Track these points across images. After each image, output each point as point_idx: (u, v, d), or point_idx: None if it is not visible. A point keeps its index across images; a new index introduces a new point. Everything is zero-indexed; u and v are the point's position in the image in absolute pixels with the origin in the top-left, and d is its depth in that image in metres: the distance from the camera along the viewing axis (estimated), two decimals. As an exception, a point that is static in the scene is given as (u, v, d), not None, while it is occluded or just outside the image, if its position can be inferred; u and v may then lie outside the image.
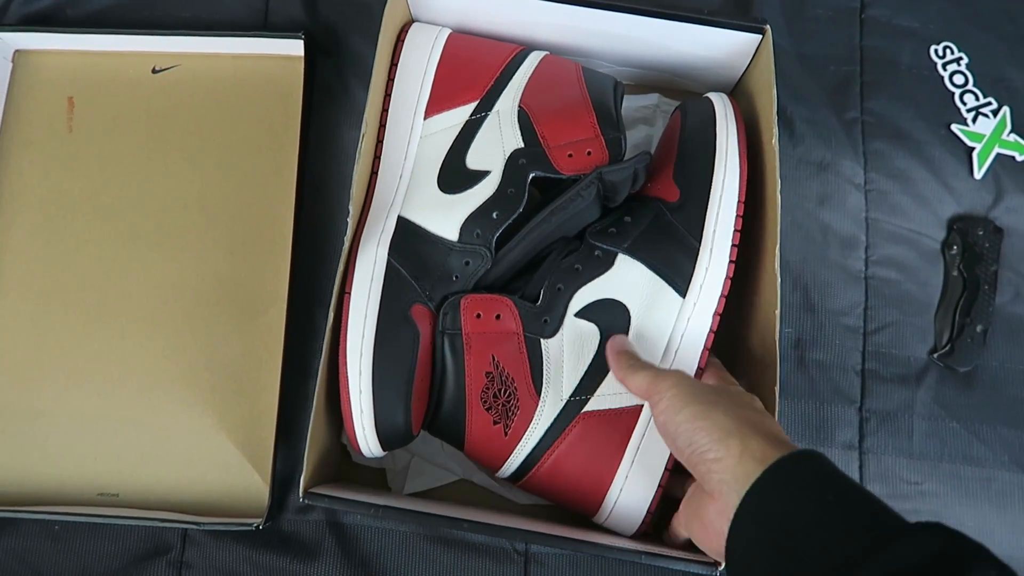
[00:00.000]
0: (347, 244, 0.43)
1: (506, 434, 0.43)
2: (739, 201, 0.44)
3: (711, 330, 0.44)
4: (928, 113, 0.56)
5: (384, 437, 0.43)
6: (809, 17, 0.57)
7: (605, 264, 0.44)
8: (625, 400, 0.43)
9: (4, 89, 0.58)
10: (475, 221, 0.44)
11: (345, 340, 0.42)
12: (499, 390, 0.43)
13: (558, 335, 0.44)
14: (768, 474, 0.33)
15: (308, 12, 0.59)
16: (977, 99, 0.56)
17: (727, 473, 0.34)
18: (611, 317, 0.44)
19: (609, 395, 0.43)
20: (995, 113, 0.55)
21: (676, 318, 0.44)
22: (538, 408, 0.43)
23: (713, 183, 0.44)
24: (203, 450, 0.52)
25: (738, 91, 0.54)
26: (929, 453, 0.52)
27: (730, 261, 0.44)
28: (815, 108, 0.56)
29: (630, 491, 0.43)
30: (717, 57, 0.52)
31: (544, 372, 0.43)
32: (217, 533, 0.51)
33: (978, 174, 0.55)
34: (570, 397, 0.43)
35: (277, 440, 0.51)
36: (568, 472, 0.43)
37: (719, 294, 0.43)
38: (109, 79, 0.58)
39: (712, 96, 0.48)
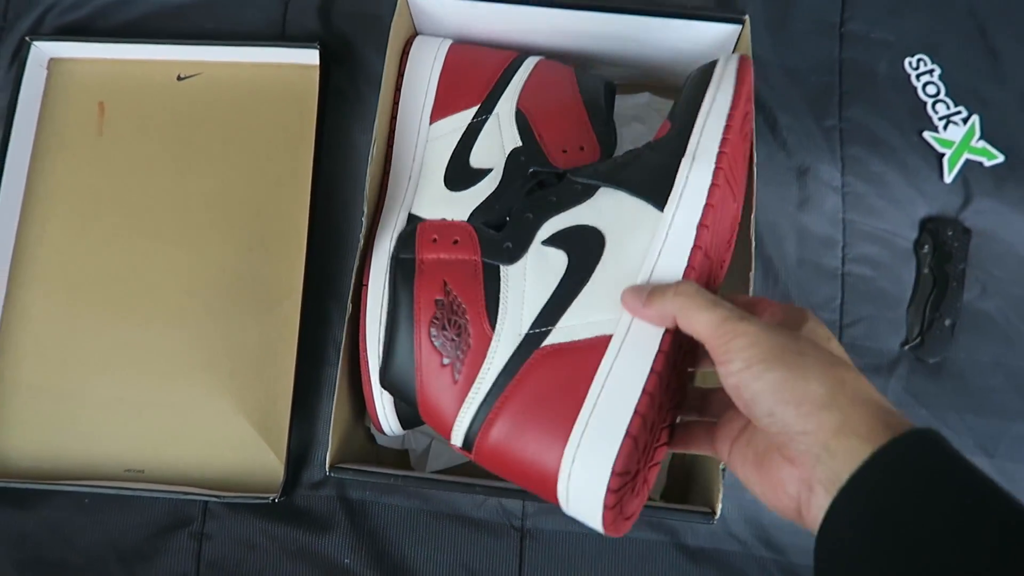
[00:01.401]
0: (362, 241, 0.45)
1: (456, 379, 0.39)
2: (729, 112, 0.40)
3: (695, 245, 0.37)
4: (902, 121, 0.59)
5: (403, 416, 0.46)
6: (792, 30, 0.61)
7: (584, 195, 0.41)
8: (593, 329, 0.37)
9: (39, 94, 0.62)
10: (480, 215, 0.45)
11: (364, 328, 0.44)
12: (449, 320, 0.39)
13: (520, 262, 0.40)
14: (879, 457, 0.28)
15: (323, 24, 0.62)
16: (948, 108, 0.59)
17: (818, 447, 0.29)
18: (582, 243, 0.39)
19: (574, 326, 0.38)
20: (965, 121, 0.58)
21: (652, 236, 0.38)
22: (492, 345, 0.38)
23: (702, 105, 0.41)
24: (222, 430, 0.56)
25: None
26: (899, 438, 0.55)
27: (716, 167, 0.38)
28: (796, 116, 0.59)
29: (589, 449, 0.35)
30: (701, 50, 0.54)
31: (501, 302, 0.39)
32: (235, 506, 0.55)
33: (948, 178, 0.58)
34: (528, 331, 0.38)
35: (292, 422, 0.54)
36: (521, 427, 0.37)
37: (702, 203, 0.38)
38: (137, 85, 0.62)
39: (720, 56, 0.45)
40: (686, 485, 0.52)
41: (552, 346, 0.37)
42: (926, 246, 0.57)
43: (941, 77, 0.59)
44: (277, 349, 0.56)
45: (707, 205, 0.38)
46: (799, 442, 0.30)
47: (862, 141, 0.59)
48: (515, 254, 0.40)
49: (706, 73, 0.43)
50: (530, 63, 0.53)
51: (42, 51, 0.62)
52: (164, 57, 0.62)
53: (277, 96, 0.61)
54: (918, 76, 0.59)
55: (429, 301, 0.39)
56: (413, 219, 0.47)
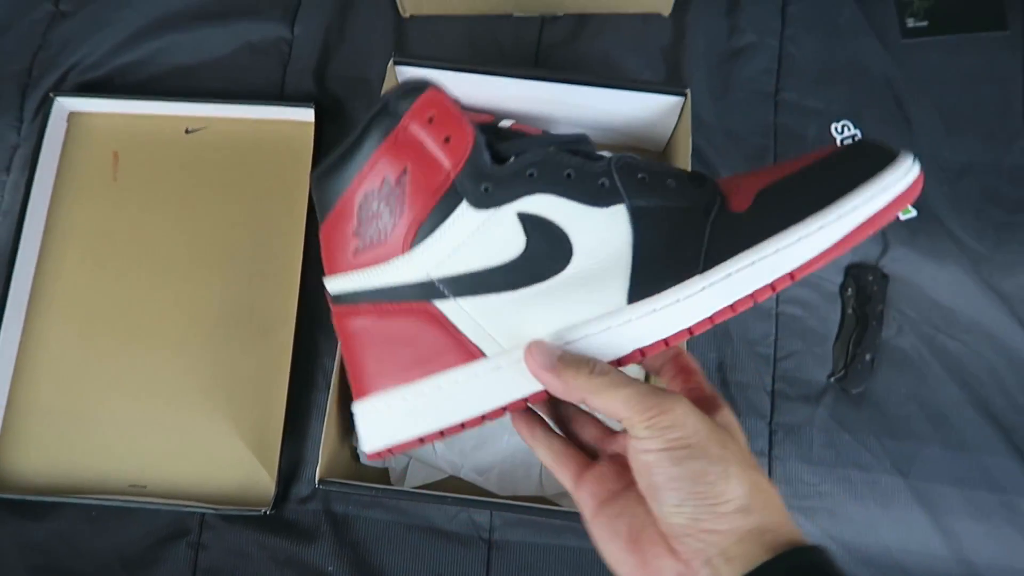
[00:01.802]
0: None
1: (357, 249, 0.35)
2: (798, 268, 0.32)
3: (641, 349, 0.33)
4: (829, 179, 0.67)
5: None
6: (732, 98, 0.68)
7: (598, 199, 0.34)
8: (480, 335, 0.34)
9: (60, 144, 0.68)
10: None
11: None
12: (384, 204, 0.34)
13: (482, 213, 0.34)
14: (775, 564, 0.28)
15: (317, 86, 0.70)
16: (869, 168, 0.67)
17: (715, 549, 0.28)
18: (550, 250, 0.34)
19: (470, 315, 0.34)
20: (883, 180, 0.66)
21: (608, 311, 0.33)
22: (397, 261, 0.34)
23: (803, 222, 0.31)
24: (219, 449, 0.61)
25: (670, 143, 0.64)
26: (826, 460, 0.61)
27: (739, 303, 0.32)
28: (737, 172, 0.67)
29: (390, 415, 0.36)
30: (652, 118, 0.61)
31: (435, 235, 0.34)
32: (230, 518, 0.60)
33: (869, 230, 0.66)
34: (436, 280, 0.34)
35: (283, 442, 0.59)
36: (368, 343, 0.36)
37: (682, 327, 0.33)
38: (149, 137, 0.68)
39: (902, 154, 0.33)
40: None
41: (439, 312, 0.34)
42: (850, 289, 0.64)
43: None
44: (271, 375, 0.62)
45: (687, 331, 0.33)
46: (698, 539, 0.29)
47: (794, 196, 0.66)
48: (485, 201, 0.34)
49: (864, 167, 0.32)
50: (504, 124, 0.60)
51: (63, 105, 0.68)
52: (174, 112, 0.68)
53: (275, 148, 0.68)
54: (842, 140, 0.67)
55: (381, 173, 0.34)
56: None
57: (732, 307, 0.33)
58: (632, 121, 0.63)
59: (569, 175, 0.34)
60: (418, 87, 0.34)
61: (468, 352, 0.35)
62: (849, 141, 0.67)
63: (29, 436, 0.63)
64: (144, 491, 0.61)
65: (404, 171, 0.34)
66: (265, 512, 0.58)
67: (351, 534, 0.60)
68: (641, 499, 0.31)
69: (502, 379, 0.34)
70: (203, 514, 0.61)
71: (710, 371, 0.63)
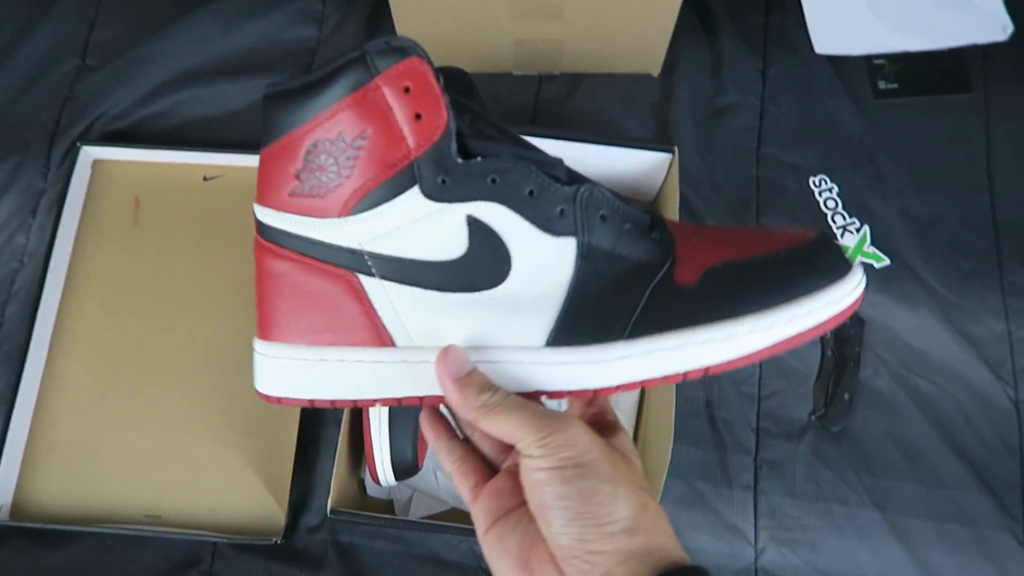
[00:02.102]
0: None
1: (290, 194, 0.32)
2: (717, 364, 0.32)
3: (542, 391, 0.34)
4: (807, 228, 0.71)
5: (397, 469, 0.55)
6: (717, 153, 0.73)
7: (551, 225, 0.32)
8: (395, 321, 0.33)
9: (84, 190, 0.72)
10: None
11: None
12: (330, 158, 0.32)
13: (432, 204, 0.32)
14: None
15: (330, 137, 0.74)
16: (845, 219, 0.71)
17: (600, 569, 0.29)
18: (486, 262, 0.33)
19: (391, 302, 0.33)
20: (858, 230, 0.71)
21: (521, 350, 0.33)
22: (331, 222, 0.32)
23: (737, 319, 0.32)
24: (232, 481, 0.64)
25: (658, 195, 0.69)
26: (808, 494, 0.64)
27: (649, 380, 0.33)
28: (722, 221, 0.71)
29: (276, 369, 0.35)
30: (643, 172, 0.66)
31: (378, 209, 0.32)
32: (242, 547, 0.63)
33: (846, 276, 0.70)
34: (367, 253, 0.33)
35: (294, 474, 0.62)
36: (283, 293, 0.34)
37: (583, 387, 0.33)
38: (168, 184, 0.72)
39: (854, 270, 0.34)
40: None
41: (361, 287, 0.33)
42: (828, 333, 0.69)
43: (838, 194, 0.72)
44: (281, 411, 0.65)
45: (591, 391, 0.33)
46: (584, 560, 0.29)
47: (775, 245, 0.71)
48: (438, 193, 0.32)
49: (815, 277, 0.32)
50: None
51: (88, 153, 0.72)
52: (192, 161, 0.72)
53: (289, 196, 0.72)
54: (820, 192, 0.72)
55: (338, 127, 0.31)
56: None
57: (641, 382, 0.33)
58: (624, 174, 0.68)
59: (531, 192, 0.32)
60: (403, 49, 0.31)
61: (379, 336, 0.34)
62: (827, 194, 0.72)
63: (49, 467, 0.65)
64: (159, 521, 0.64)
65: (363, 134, 0.31)
66: (276, 542, 0.60)
67: (357, 563, 0.63)
68: (533, 518, 0.31)
69: (405, 373, 0.34)
70: (216, 543, 0.63)
71: (698, 408, 0.67)
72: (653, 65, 0.75)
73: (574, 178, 0.34)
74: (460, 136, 0.32)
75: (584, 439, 0.31)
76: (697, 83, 0.76)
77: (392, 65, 0.31)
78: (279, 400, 0.35)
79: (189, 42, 0.77)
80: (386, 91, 0.31)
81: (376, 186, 0.32)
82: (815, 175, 0.73)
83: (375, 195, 0.32)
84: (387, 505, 0.64)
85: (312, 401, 0.34)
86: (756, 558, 0.63)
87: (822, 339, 0.69)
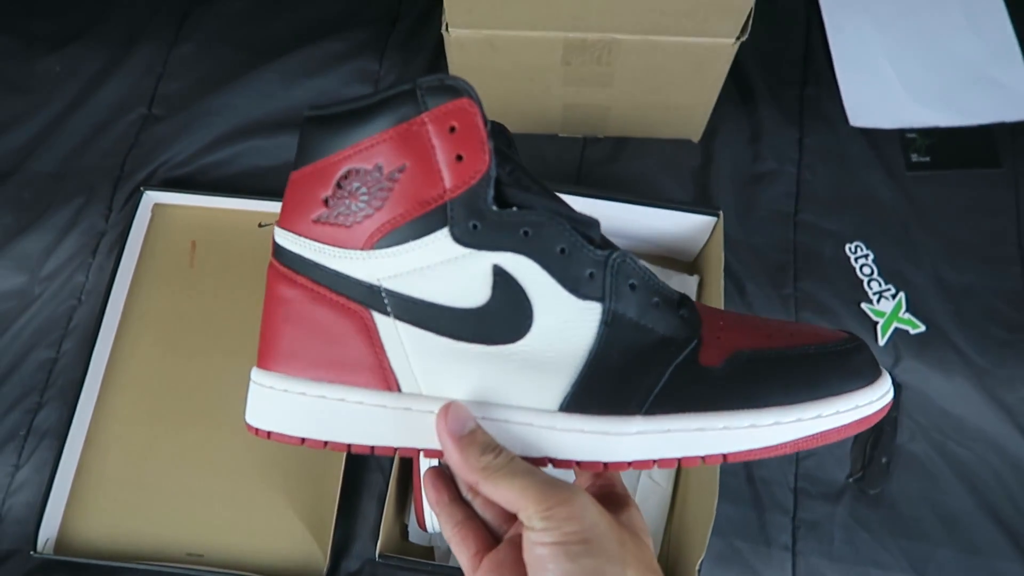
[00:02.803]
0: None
1: (315, 220, 0.32)
2: (736, 453, 0.31)
3: (549, 458, 0.33)
4: (844, 293, 0.73)
5: None
6: (756, 218, 0.76)
7: (578, 287, 0.32)
8: (404, 365, 0.33)
9: (143, 232, 0.75)
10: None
11: None
12: (363, 188, 0.31)
13: (458, 249, 0.31)
14: None
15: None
16: (880, 286, 0.73)
17: None
18: (507, 316, 0.32)
19: (401, 343, 0.32)
20: (894, 297, 0.73)
21: (532, 412, 0.32)
22: (353, 252, 0.32)
23: (761, 411, 0.31)
24: (275, 523, 0.65)
25: (700, 256, 0.71)
26: (846, 557, 0.64)
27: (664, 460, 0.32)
28: (760, 284, 0.73)
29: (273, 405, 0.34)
30: (685, 233, 0.68)
31: (404, 246, 0.31)
32: (282, 590, 0.64)
33: (881, 342, 0.71)
34: (385, 291, 0.32)
35: (337, 518, 0.63)
36: (286, 317, 0.33)
37: (594, 459, 0.32)
38: (224, 229, 0.75)
39: (883, 377, 0.34)
40: (667, 586, 0.61)
41: (373, 325, 0.32)
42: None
43: (874, 260, 0.74)
44: (327, 455, 0.66)
45: (602, 464, 0.32)
46: None
47: (812, 308, 0.73)
48: (468, 238, 0.31)
49: (844, 379, 0.32)
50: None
51: (150, 198, 0.75)
52: (248, 208, 0.75)
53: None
54: (856, 259, 0.74)
55: (376, 157, 0.31)
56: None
57: (655, 461, 0.31)
58: (666, 235, 0.70)
59: (563, 250, 0.31)
60: (455, 90, 0.30)
61: (385, 379, 0.33)
62: (863, 261, 0.74)
63: (95, 503, 0.66)
64: (201, 560, 0.64)
65: (400, 167, 0.31)
66: (317, 585, 0.61)
67: (396, 610, 0.63)
68: None
69: (407, 422, 0.32)
70: (256, 585, 0.64)
71: (736, 466, 0.68)
72: (695, 132, 0.78)
73: (607, 244, 0.33)
74: (498, 184, 0.31)
75: (591, 513, 0.29)
76: (736, 150, 0.79)
77: (442, 103, 0.30)
78: (268, 435, 0.34)
79: (251, 96, 0.81)
80: (431, 128, 0.30)
81: (405, 222, 0.31)
82: (851, 242, 0.75)
83: (402, 231, 0.31)
84: (427, 552, 0.64)
85: (304, 440, 0.33)
86: (794, 620, 0.63)
87: (858, 402, 0.70)
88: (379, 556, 0.55)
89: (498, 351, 0.32)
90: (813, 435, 0.31)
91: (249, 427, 0.34)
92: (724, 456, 0.31)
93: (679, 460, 0.31)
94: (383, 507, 0.59)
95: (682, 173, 0.78)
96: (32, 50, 0.84)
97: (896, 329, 0.71)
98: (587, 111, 0.75)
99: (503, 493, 0.30)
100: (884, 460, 0.68)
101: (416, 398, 0.33)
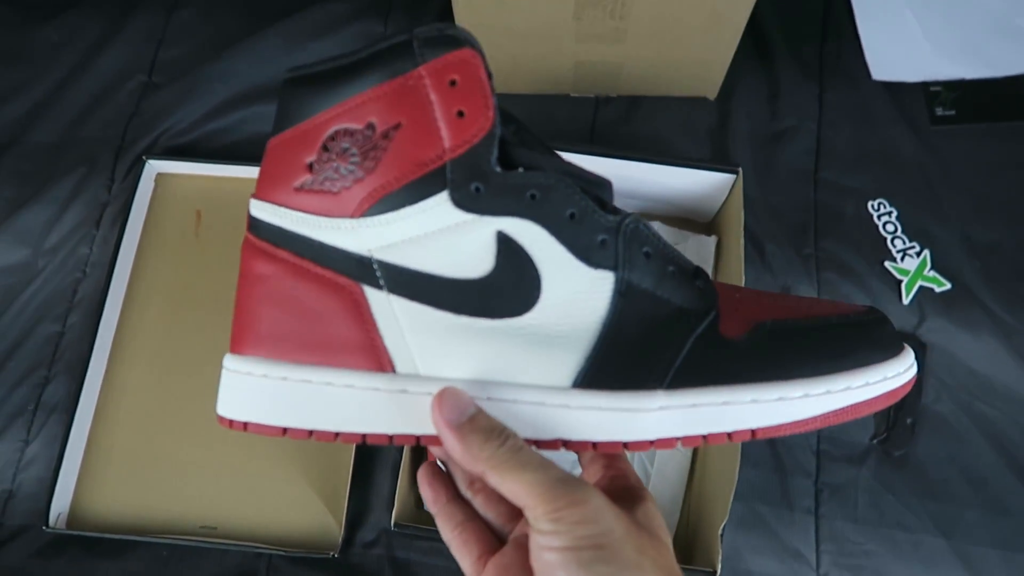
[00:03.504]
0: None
1: (298, 188, 0.29)
2: (765, 428, 0.30)
3: (563, 440, 0.30)
4: (866, 252, 0.71)
5: None
6: (775, 177, 0.73)
7: (590, 255, 0.29)
8: (397, 340, 0.30)
9: (147, 202, 0.74)
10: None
11: None
12: (353, 149, 0.28)
13: (460, 215, 0.28)
14: None
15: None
16: (904, 243, 0.71)
17: None
18: (513, 286, 0.29)
19: (397, 318, 0.29)
20: (918, 254, 0.71)
21: (543, 391, 0.30)
22: (342, 221, 0.29)
23: (789, 383, 0.29)
24: (289, 494, 0.64)
25: (718, 216, 0.69)
26: (870, 520, 0.63)
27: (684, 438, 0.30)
28: (779, 245, 0.71)
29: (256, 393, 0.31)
30: (703, 192, 0.66)
31: (399, 212, 0.28)
32: (296, 561, 0.63)
33: (906, 301, 0.69)
34: (377, 262, 0.29)
35: (351, 489, 0.62)
36: (270, 297, 0.31)
37: (613, 438, 0.30)
38: (229, 198, 0.73)
39: (906, 352, 0.32)
40: (689, 550, 0.60)
41: (364, 300, 0.29)
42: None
43: (898, 218, 0.72)
44: (339, 425, 0.66)
45: (621, 444, 0.30)
46: None
47: (834, 268, 0.71)
48: (469, 203, 0.28)
49: (869, 350, 0.31)
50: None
51: (153, 167, 0.74)
52: (253, 175, 0.72)
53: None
54: (879, 216, 0.72)
55: (368, 115, 0.28)
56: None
57: (680, 439, 0.29)
58: (682, 195, 0.68)
59: (572, 215, 0.29)
60: (456, 40, 0.28)
61: (377, 359, 0.30)
62: (886, 218, 0.72)
63: (106, 477, 0.65)
64: (215, 532, 0.63)
65: (396, 126, 0.28)
66: (332, 556, 0.60)
67: (412, 580, 0.62)
68: None
69: (402, 405, 0.30)
70: (271, 556, 0.63)
71: (757, 431, 0.66)
72: (710, 89, 0.76)
73: (618, 209, 0.31)
74: (503, 143, 0.28)
75: (607, 515, 0.26)
76: (754, 108, 0.76)
77: (441, 55, 0.27)
78: (245, 426, 0.30)
79: (253, 61, 0.78)
80: (429, 82, 0.27)
81: (400, 186, 0.28)
82: (873, 199, 0.73)
83: (397, 196, 0.28)
84: (444, 521, 0.63)
85: (286, 430, 0.30)
86: (819, 584, 0.62)
87: (882, 363, 0.68)
88: (394, 526, 0.54)
89: (504, 325, 0.29)
90: (844, 408, 0.30)
91: (221, 420, 0.31)
92: (753, 432, 0.29)
93: (704, 437, 0.29)
94: (397, 477, 0.58)
95: (698, 132, 0.76)
96: (28, 18, 0.82)
97: (921, 287, 0.69)
98: (600, 69, 0.73)
99: (512, 486, 0.27)
100: (909, 421, 0.66)
101: (413, 379, 0.30)
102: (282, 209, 0.29)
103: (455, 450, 0.28)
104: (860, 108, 0.76)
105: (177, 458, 0.66)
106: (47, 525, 0.61)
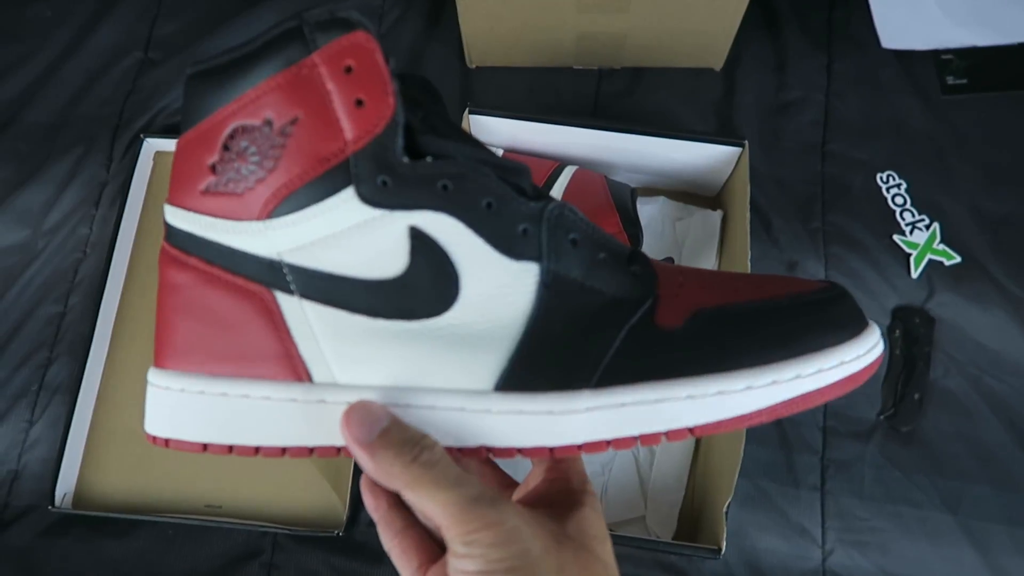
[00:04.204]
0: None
1: (203, 191, 0.27)
2: (703, 425, 0.27)
3: (486, 447, 0.28)
4: (875, 225, 0.70)
5: None
6: (782, 149, 0.72)
7: (511, 246, 0.27)
8: (312, 348, 0.28)
9: (146, 181, 0.73)
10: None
11: None
12: (253, 147, 0.26)
13: (369, 211, 0.26)
14: None
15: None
16: (913, 216, 0.70)
17: None
18: (429, 284, 0.27)
19: (308, 321, 0.28)
20: (927, 228, 0.69)
21: (463, 395, 0.28)
22: (247, 224, 0.27)
23: (730, 374, 0.27)
24: (293, 473, 0.64)
25: (723, 190, 0.68)
26: (876, 496, 0.63)
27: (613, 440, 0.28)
28: (786, 219, 0.70)
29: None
30: (708, 165, 0.65)
31: (305, 212, 0.27)
32: (301, 539, 0.63)
33: (915, 274, 0.68)
34: (287, 266, 0.27)
35: (355, 468, 0.62)
36: (181, 302, 0.29)
37: (539, 444, 0.28)
38: (228, 176, 0.73)
39: (870, 328, 0.29)
40: (694, 529, 0.60)
41: (276, 307, 0.28)
42: (897, 331, 0.67)
43: (907, 190, 0.71)
44: (342, 404, 0.65)
45: (548, 450, 0.28)
46: None
47: (841, 242, 0.70)
48: (377, 197, 0.26)
49: (825, 330, 0.28)
50: (569, 171, 0.64)
51: (151, 145, 0.73)
52: (253, 153, 0.73)
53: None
54: (888, 189, 0.71)
55: (264, 110, 0.26)
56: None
57: (610, 442, 0.27)
58: (687, 168, 0.67)
59: (489, 205, 0.27)
60: (347, 23, 0.26)
61: (293, 368, 0.28)
62: (895, 191, 0.70)
63: (111, 457, 0.66)
64: (219, 511, 0.63)
65: (293, 120, 0.26)
66: (337, 534, 0.60)
67: (417, 558, 0.62)
68: None
69: (321, 416, 0.28)
70: (276, 535, 0.63)
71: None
72: (716, 60, 0.74)
73: (540, 194, 0.28)
74: (409, 131, 0.26)
75: (523, 535, 0.25)
76: (760, 78, 0.75)
77: (334, 39, 0.25)
78: (167, 443, 0.29)
79: (249, 36, 0.77)
80: (324, 70, 0.25)
81: (303, 184, 0.26)
82: (882, 172, 0.71)
83: (302, 195, 0.26)
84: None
85: (206, 446, 0.29)
86: (824, 560, 0.62)
87: (890, 337, 0.67)
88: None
89: (422, 326, 0.27)
90: (793, 399, 0.27)
91: (148, 437, 0.30)
92: (690, 429, 0.27)
93: (637, 438, 0.27)
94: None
95: (703, 104, 0.74)
96: (22, -5, 0.81)
97: (930, 261, 0.68)
98: (602, 40, 0.71)
99: (424, 505, 0.26)
100: (916, 396, 0.65)
101: (331, 388, 0.28)
102: (191, 214, 0.28)
103: (367, 468, 0.27)
104: (869, 78, 0.74)
105: (181, 438, 0.66)
106: (52, 505, 0.62)
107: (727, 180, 0.67)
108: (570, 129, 0.64)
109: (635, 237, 0.58)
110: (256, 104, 0.26)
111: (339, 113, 0.26)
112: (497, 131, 0.66)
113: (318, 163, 0.26)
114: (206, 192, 0.27)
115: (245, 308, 0.28)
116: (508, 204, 0.27)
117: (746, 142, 0.61)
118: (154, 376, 0.30)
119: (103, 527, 0.63)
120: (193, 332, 0.28)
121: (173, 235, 0.29)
